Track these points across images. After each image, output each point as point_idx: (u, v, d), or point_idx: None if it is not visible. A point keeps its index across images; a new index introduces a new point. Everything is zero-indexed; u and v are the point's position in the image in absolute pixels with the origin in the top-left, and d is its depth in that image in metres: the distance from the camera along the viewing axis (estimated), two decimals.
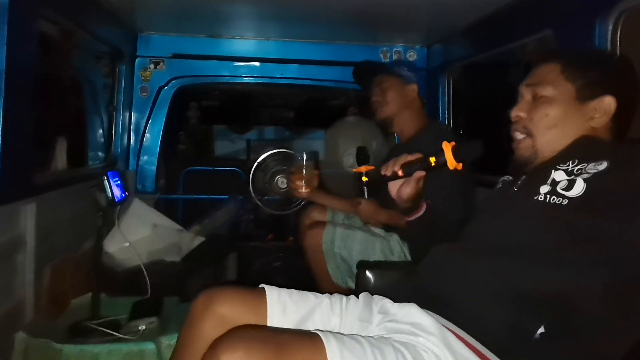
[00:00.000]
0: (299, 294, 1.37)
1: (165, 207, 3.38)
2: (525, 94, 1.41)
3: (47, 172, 2.17)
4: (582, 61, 1.38)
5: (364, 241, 2.27)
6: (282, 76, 3.33)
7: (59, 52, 2.61)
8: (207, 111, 5.37)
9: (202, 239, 3.07)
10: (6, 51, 1.67)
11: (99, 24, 2.64)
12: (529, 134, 1.37)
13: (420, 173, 1.48)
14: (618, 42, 1.69)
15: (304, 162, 2.31)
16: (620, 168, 1.19)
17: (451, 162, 1.44)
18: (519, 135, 1.40)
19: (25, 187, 1.88)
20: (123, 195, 1.97)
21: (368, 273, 1.85)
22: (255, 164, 3.31)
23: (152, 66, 3.18)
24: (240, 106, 5.43)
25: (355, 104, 4.28)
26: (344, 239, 2.25)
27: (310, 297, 1.37)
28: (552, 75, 1.37)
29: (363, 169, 1.57)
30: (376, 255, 2.25)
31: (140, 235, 2.84)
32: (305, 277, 2.43)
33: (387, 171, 1.50)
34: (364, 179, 1.57)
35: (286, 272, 3.12)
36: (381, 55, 3.31)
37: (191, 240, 3.04)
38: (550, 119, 1.34)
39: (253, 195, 3.29)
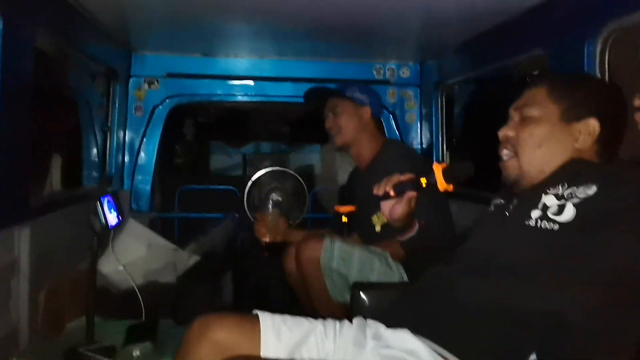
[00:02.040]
0: (293, 319, 1.37)
1: (161, 226, 3.37)
2: (514, 115, 1.45)
3: (42, 195, 2.16)
4: (568, 84, 1.42)
5: (363, 259, 2.24)
6: (276, 94, 3.34)
7: (54, 72, 2.63)
8: (202, 127, 5.39)
9: (198, 257, 3.06)
10: (1, 73, 1.68)
11: (94, 44, 2.65)
12: (515, 154, 1.40)
13: (412, 193, 1.51)
14: (607, 62, 1.70)
15: (269, 209, 2.38)
16: (609, 191, 1.21)
17: (441, 184, 1.47)
18: (505, 155, 1.43)
19: (19, 211, 1.87)
20: (118, 220, 1.96)
21: (362, 295, 1.84)
22: (250, 181, 3.30)
23: (146, 85, 3.18)
24: (236, 122, 5.45)
25: None
26: (342, 256, 2.20)
27: (304, 322, 1.38)
28: (539, 97, 1.40)
29: (343, 209, 1.58)
30: (374, 274, 2.22)
31: (135, 256, 2.83)
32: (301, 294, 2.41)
33: (379, 191, 1.52)
34: (344, 219, 1.59)
35: (282, 290, 3.11)
36: (374, 72, 3.33)
37: (187, 259, 3.03)
38: (536, 139, 1.37)
39: (248, 212, 3.28)
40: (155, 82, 3.20)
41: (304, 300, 2.38)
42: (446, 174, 1.47)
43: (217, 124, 5.63)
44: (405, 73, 3.36)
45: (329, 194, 3.94)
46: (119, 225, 2.01)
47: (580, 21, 1.78)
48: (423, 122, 3.35)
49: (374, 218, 2.23)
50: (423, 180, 1.49)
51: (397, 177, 1.51)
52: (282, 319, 1.36)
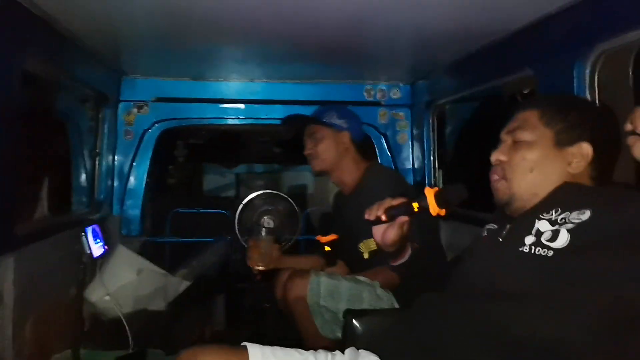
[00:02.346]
0: (283, 351, 1.34)
1: (152, 251, 3.32)
2: (506, 139, 1.45)
3: (28, 223, 2.11)
4: (561, 107, 1.42)
5: (351, 292, 2.17)
6: (267, 117, 3.33)
7: (42, 97, 2.60)
8: (194, 149, 5.36)
9: (189, 282, 3.01)
10: None
11: (83, 68, 2.63)
12: (505, 177, 1.40)
13: (404, 218, 1.49)
14: (596, 84, 1.70)
15: (262, 236, 2.36)
16: (603, 216, 1.20)
17: (433, 208, 1.45)
18: (497, 179, 1.43)
19: (3, 240, 1.82)
20: (104, 250, 1.92)
21: (355, 322, 1.80)
22: (242, 204, 3.28)
23: (135, 110, 3.16)
24: (228, 144, 5.43)
25: None
26: (330, 291, 2.14)
27: (294, 354, 1.34)
28: (531, 121, 1.40)
29: (324, 239, 1.56)
30: (364, 306, 2.18)
31: (125, 282, 2.77)
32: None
33: (370, 215, 1.50)
34: (327, 248, 1.57)
35: (275, 314, 3.06)
36: (365, 94, 3.33)
37: (178, 284, 2.98)
38: (528, 163, 1.37)
39: (240, 236, 3.25)
40: (145, 107, 3.18)
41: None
42: (438, 198, 1.46)
43: (209, 145, 5.61)
44: (396, 94, 3.35)
45: (321, 215, 3.92)
46: (104, 256, 1.96)
47: (570, 42, 1.78)
48: (415, 143, 3.33)
49: (362, 245, 2.18)
50: (415, 205, 1.48)
51: (389, 202, 1.49)
52: (272, 351, 1.32)
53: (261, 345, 1.33)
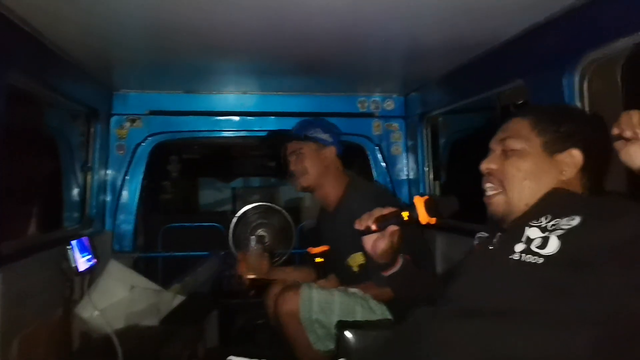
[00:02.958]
0: None
1: (145, 266, 3.29)
2: (496, 148, 1.44)
3: (15, 240, 2.07)
4: (551, 115, 1.41)
5: (344, 306, 2.14)
6: (260, 129, 3.32)
7: (30, 112, 2.58)
8: (188, 164, 5.35)
9: (183, 298, 2.98)
10: None
11: (74, 85, 2.62)
12: (502, 188, 1.38)
13: (394, 227, 1.49)
14: (586, 93, 1.69)
15: (252, 247, 2.35)
16: (593, 222, 1.18)
17: (423, 217, 1.45)
18: (490, 191, 1.41)
19: None
20: (92, 263, 1.89)
21: (348, 334, 1.78)
22: (235, 218, 3.26)
23: (128, 124, 3.15)
24: (222, 158, 5.42)
25: None
26: (322, 306, 2.11)
27: None
28: (522, 130, 1.40)
29: (315, 250, 1.56)
30: (358, 319, 2.15)
31: (117, 298, 2.74)
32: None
33: (360, 225, 1.50)
34: (318, 260, 1.57)
35: (269, 330, 3.02)
36: (359, 105, 3.32)
37: (171, 300, 2.94)
38: (523, 173, 1.36)
39: (234, 250, 3.22)
40: (138, 120, 3.16)
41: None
42: (428, 207, 1.45)
43: (203, 159, 5.60)
44: (389, 105, 3.35)
45: (315, 228, 3.89)
46: (92, 270, 1.93)
47: (558, 52, 1.78)
48: (409, 154, 3.32)
49: (350, 260, 2.17)
50: (405, 214, 1.47)
51: (379, 211, 1.50)
52: None
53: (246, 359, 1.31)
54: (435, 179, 3.11)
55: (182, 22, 1.94)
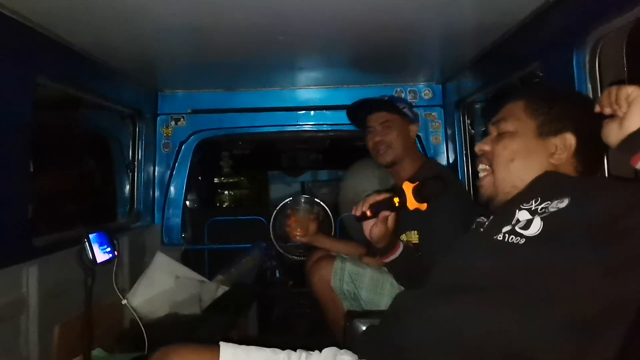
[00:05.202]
0: (257, 350, 1.36)
1: (192, 258, 3.45)
2: (492, 130, 1.43)
3: (49, 235, 2.20)
4: (545, 98, 1.38)
5: (374, 281, 2.20)
6: (299, 123, 3.38)
7: (69, 114, 2.78)
8: (254, 159, 5.52)
9: (226, 288, 3.10)
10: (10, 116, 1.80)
11: (121, 90, 2.83)
12: (492, 170, 1.38)
13: (385, 213, 1.50)
14: (597, 70, 1.61)
15: (301, 205, 2.35)
16: (580, 203, 1.15)
17: (411, 203, 1.45)
18: (482, 172, 1.42)
19: (25, 249, 1.94)
20: (111, 255, 2.01)
21: (356, 323, 1.80)
22: (275, 210, 3.34)
23: (173, 123, 3.31)
24: (276, 152, 5.55)
25: None
26: (352, 278, 2.17)
27: (267, 353, 1.36)
28: (516, 112, 1.38)
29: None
30: (385, 298, 2.16)
31: (163, 288, 2.92)
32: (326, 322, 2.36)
33: (357, 211, 1.53)
34: (396, 201, 1.57)
35: (307, 318, 3.08)
36: (396, 96, 3.29)
37: (214, 290, 3.08)
38: (509, 153, 1.35)
39: (274, 241, 3.31)
40: (182, 119, 3.32)
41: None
42: (417, 193, 1.45)
43: (264, 155, 5.75)
44: (427, 95, 3.30)
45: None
46: (110, 262, 2.05)
47: (568, 30, 1.70)
48: (449, 143, 3.26)
49: (402, 237, 2.14)
50: (396, 200, 1.48)
51: (374, 197, 1.52)
52: (246, 350, 1.35)
53: (236, 345, 1.36)
54: (474, 166, 3.03)
55: (216, 22, 2.00)
